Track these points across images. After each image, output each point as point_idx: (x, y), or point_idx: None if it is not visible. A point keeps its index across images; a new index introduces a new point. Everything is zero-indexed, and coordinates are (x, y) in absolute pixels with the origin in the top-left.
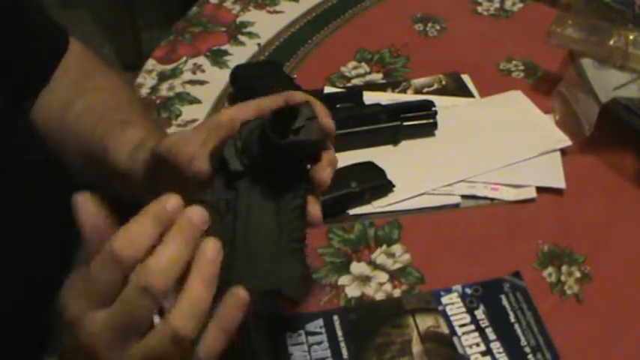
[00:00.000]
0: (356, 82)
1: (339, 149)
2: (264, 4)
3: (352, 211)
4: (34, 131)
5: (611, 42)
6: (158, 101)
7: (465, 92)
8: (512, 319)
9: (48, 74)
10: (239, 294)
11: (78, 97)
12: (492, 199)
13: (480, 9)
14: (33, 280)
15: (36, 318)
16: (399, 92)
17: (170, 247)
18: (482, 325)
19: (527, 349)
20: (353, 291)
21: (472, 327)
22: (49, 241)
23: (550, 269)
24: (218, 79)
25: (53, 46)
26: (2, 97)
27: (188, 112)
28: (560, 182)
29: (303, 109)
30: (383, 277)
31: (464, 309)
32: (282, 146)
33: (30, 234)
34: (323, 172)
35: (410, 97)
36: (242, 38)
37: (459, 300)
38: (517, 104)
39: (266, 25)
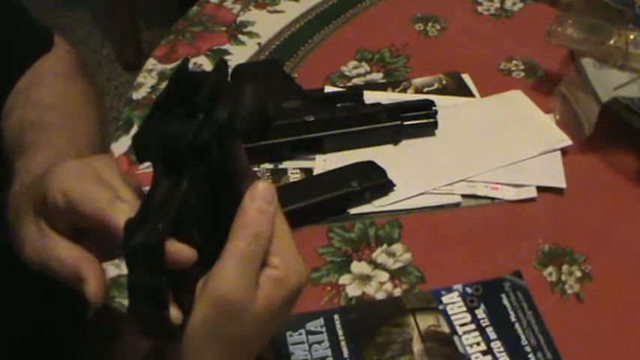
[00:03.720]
0: (356, 81)
1: (339, 149)
2: (265, 3)
3: (353, 211)
4: None
5: (612, 42)
6: None
7: (466, 92)
8: (513, 318)
9: (13, 80)
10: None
11: (16, 108)
12: (493, 199)
13: (480, 9)
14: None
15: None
16: (400, 92)
17: None
18: (483, 325)
19: (528, 349)
20: (353, 290)
21: (473, 326)
22: None
23: (550, 269)
24: None
25: (23, 51)
26: None
27: None
28: (560, 182)
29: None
30: (383, 276)
31: (464, 308)
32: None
33: None
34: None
35: (410, 96)
36: (242, 38)
37: (459, 299)
38: (517, 104)
39: (266, 25)
